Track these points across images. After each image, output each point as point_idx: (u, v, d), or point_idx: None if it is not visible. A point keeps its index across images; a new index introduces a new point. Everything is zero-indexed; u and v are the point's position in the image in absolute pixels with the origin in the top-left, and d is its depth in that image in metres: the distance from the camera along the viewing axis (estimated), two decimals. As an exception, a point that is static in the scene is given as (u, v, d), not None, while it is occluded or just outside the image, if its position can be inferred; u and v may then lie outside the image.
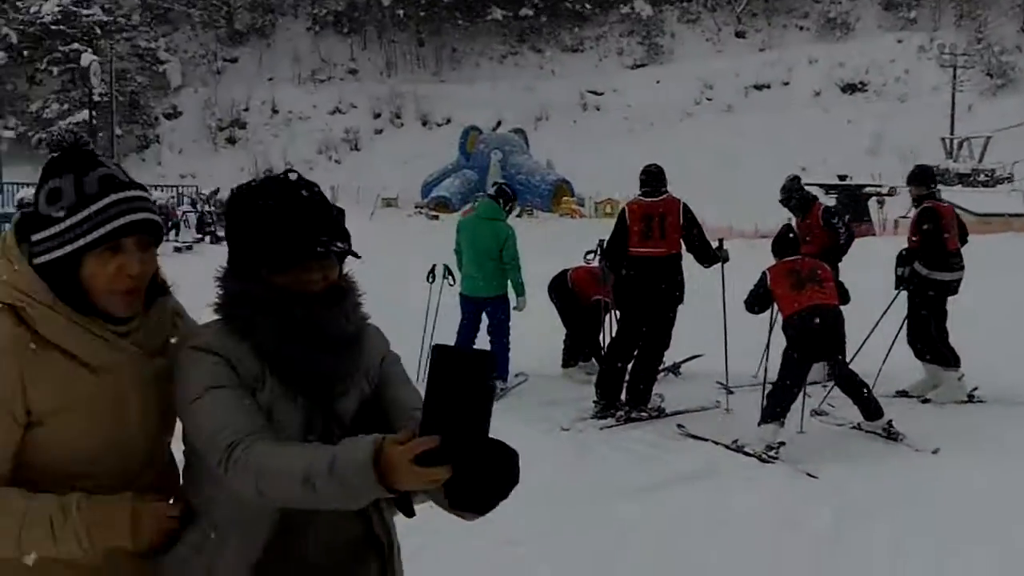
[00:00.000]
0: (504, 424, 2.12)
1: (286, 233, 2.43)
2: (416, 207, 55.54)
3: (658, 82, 78.42)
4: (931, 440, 8.83)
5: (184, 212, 43.20)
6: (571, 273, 12.22)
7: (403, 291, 12.93)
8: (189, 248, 36.09)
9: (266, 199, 2.49)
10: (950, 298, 10.87)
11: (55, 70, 71.34)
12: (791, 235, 9.45)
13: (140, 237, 2.47)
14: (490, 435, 2.09)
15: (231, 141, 76.98)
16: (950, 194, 53.84)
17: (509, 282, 11.19)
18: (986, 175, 57.00)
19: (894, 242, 24.68)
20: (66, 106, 70.91)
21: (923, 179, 11.21)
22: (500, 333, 11.13)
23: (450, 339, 10.90)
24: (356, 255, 2.56)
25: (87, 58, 40.83)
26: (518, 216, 52.70)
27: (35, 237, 2.46)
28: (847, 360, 9.30)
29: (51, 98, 72.03)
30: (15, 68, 73.12)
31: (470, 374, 2.04)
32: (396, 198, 57.78)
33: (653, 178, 10.25)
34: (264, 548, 2.45)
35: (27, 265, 2.44)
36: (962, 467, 8.08)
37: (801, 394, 9.03)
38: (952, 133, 63.55)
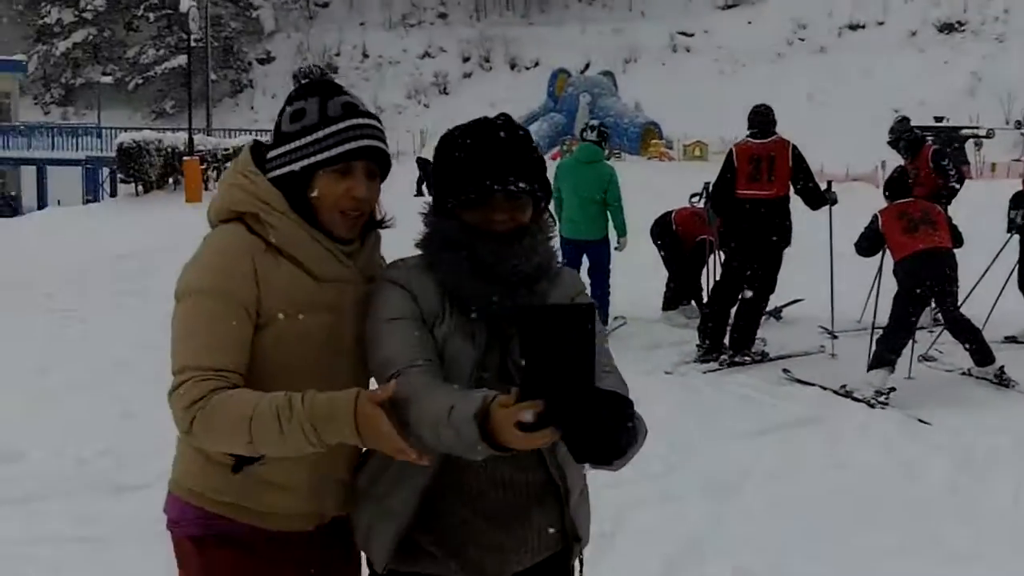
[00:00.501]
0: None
1: (470, 170, 2.49)
2: (505, 151, 55.34)
3: (749, 22, 77.22)
4: (1044, 387, 8.70)
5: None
6: (675, 215, 12.13)
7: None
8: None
9: (464, 139, 2.55)
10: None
11: (151, 16, 72.36)
12: (905, 178, 9.29)
13: (369, 165, 2.61)
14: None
15: (323, 86, 77.61)
16: (1048, 136, 52.84)
17: (610, 223, 11.10)
18: (1084, 118, 55.62)
19: (993, 185, 24.19)
20: (162, 51, 72.07)
21: None
22: (601, 275, 11.07)
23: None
24: (541, 197, 2.60)
25: (185, 3, 41.07)
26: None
27: (272, 153, 2.64)
28: (958, 304, 9.12)
29: (147, 44, 73.16)
30: (113, 15, 74.33)
31: (565, 331, 1.99)
32: (485, 142, 57.62)
33: (762, 119, 10.05)
34: (433, 477, 2.50)
35: (263, 178, 2.61)
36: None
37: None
38: (1053, 74, 61.94)
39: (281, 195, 2.58)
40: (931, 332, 10.34)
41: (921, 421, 7.84)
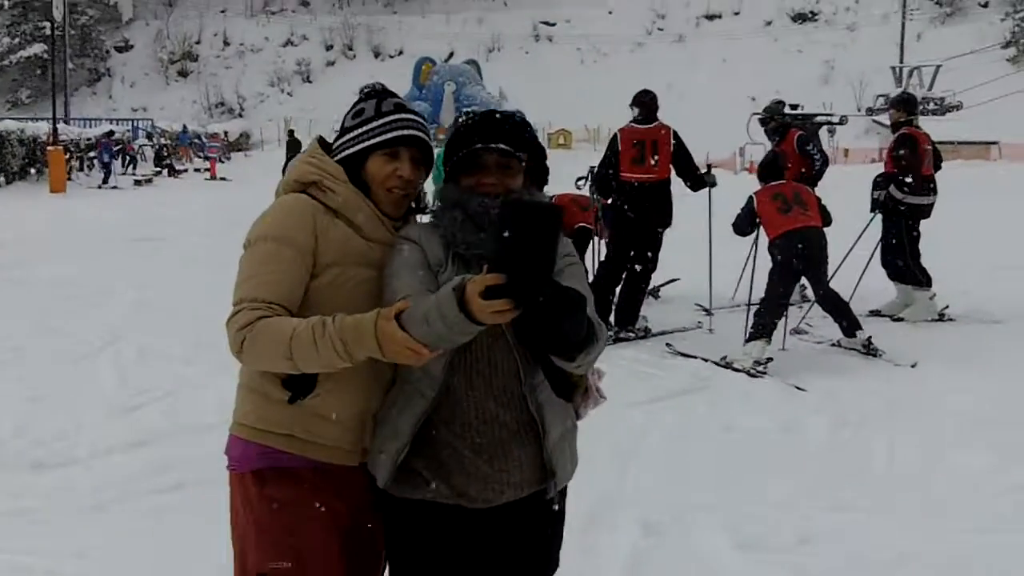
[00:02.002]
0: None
1: (464, 136, 2.97)
2: (372, 139, 55.45)
3: (610, 12, 78.41)
4: (908, 355, 9.30)
5: (140, 146, 42.95)
6: (553, 200, 12.47)
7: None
8: (149, 181, 35.88)
9: (467, 119, 3.04)
10: (922, 221, 11.32)
11: (5, 3, 70.35)
12: (778, 161, 9.84)
13: (413, 152, 3.10)
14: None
15: (183, 74, 76.42)
16: (900, 123, 54.83)
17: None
18: (936, 103, 57.75)
19: (848, 170, 25.18)
20: (17, 40, 70.07)
21: (905, 105, 11.61)
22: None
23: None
24: (531, 167, 3.02)
25: (47, -9, 40.41)
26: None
27: (336, 144, 3.16)
28: (828, 280, 9.70)
29: (2, 32, 71.10)
30: (-35, 5, 72.07)
31: (534, 224, 2.32)
32: (350, 131, 57.34)
33: (646, 106, 10.50)
34: (430, 407, 2.90)
35: (328, 158, 3.13)
36: (940, 379, 8.59)
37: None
38: (902, 62, 64.19)
39: (342, 169, 3.07)
40: (800, 307, 10.94)
41: (798, 388, 8.37)
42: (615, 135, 10.60)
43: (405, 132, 3.06)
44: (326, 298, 2.93)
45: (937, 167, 11.47)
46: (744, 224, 9.67)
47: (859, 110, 62.53)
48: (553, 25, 78.79)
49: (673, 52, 73.33)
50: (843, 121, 45.73)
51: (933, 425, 7.35)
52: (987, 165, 42.28)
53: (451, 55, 70.97)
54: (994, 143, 47.49)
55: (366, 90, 3.23)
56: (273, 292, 2.86)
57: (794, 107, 47.30)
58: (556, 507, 3.12)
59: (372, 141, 3.06)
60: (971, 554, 5.19)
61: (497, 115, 3.00)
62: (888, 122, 11.82)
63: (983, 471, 6.44)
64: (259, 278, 2.88)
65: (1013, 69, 63.66)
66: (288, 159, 31.23)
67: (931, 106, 56.49)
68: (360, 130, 3.09)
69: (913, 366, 9.08)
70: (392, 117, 3.08)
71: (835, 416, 7.58)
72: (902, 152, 11.10)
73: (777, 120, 12.23)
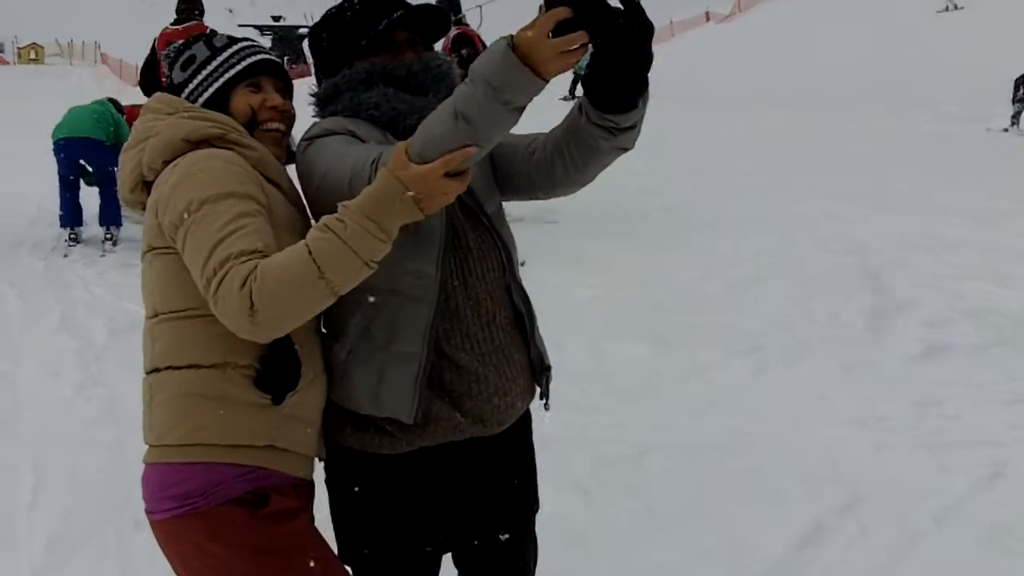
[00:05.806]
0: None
1: (372, 15, 2.56)
2: None
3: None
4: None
5: None
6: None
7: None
8: None
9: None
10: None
11: None
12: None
13: (275, 80, 2.63)
14: None
15: None
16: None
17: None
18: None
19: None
20: None
21: (450, 4, 11.75)
22: None
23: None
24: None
25: None
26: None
27: (183, 95, 2.58)
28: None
29: None
30: None
31: None
32: None
33: (189, 3, 9.81)
34: (435, 317, 2.43)
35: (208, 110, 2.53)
36: (555, 277, 8.71)
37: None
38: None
39: (232, 119, 2.51)
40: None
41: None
42: (155, 39, 9.61)
43: (260, 57, 2.59)
44: None
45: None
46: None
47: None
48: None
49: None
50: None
51: (577, 319, 7.54)
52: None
53: None
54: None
55: (176, 46, 2.70)
56: (262, 241, 2.21)
57: (276, 18, 47.59)
58: (548, 408, 2.79)
59: (229, 74, 2.54)
60: (696, 438, 5.43)
61: None
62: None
63: (646, 358, 6.77)
64: (235, 235, 2.20)
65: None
66: None
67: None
68: (207, 70, 2.55)
69: (522, 264, 9.23)
70: (236, 47, 2.58)
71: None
72: (464, 51, 11.20)
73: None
